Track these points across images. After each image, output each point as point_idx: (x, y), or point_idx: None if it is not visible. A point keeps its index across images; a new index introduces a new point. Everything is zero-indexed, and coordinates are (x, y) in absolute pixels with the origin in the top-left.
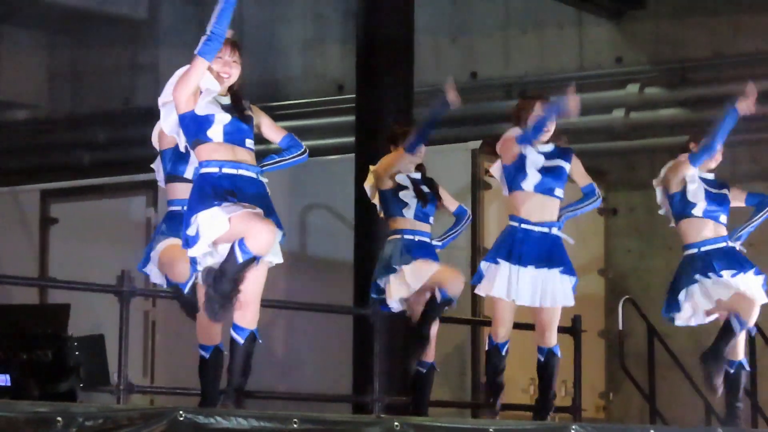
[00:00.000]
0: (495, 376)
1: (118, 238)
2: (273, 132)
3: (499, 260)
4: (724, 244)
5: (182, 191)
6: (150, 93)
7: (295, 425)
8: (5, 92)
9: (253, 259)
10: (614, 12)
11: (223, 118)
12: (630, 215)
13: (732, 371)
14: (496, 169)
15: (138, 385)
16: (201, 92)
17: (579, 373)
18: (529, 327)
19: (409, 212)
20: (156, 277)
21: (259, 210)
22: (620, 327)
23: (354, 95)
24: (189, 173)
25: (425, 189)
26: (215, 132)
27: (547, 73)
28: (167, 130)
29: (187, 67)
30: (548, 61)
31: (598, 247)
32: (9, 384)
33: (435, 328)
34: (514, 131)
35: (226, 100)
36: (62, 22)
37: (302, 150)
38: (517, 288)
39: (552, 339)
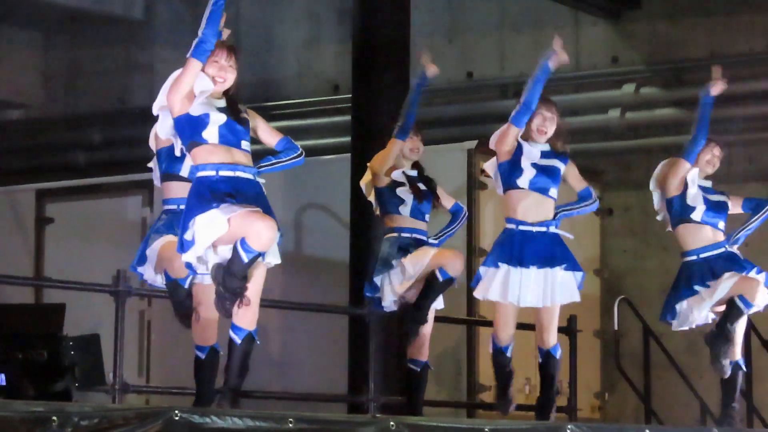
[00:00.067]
0: (503, 369)
1: (114, 237)
2: (269, 135)
3: (499, 264)
4: (723, 250)
5: (178, 190)
6: (145, 93)
7: (290, 425)
8: (0, 92)
9: (258, 256)
10: (610, 12)
11: (218, 119)
12: (626, 215)
13: (729, 371)
14: (490, 165)
15: (133, 385)
16: (195, 95)
17: (574, 373)
18: (525, 327)
19: (406, 209)
20: (149, 276)
21: (257, 208)
22: (616, 327)
23: (350, 95)
24: (185, 171)
25: (422, 186)
26: (210, 133)
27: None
28: (162, 134)
29: (180, 70)
30: None
31: (594, 247)
32: (4, 383)
33: (429, 327)
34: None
35: (222, 104)
36: (58, 22)
37: (299, 152)
38: (519, 290)
39: (550, 340)
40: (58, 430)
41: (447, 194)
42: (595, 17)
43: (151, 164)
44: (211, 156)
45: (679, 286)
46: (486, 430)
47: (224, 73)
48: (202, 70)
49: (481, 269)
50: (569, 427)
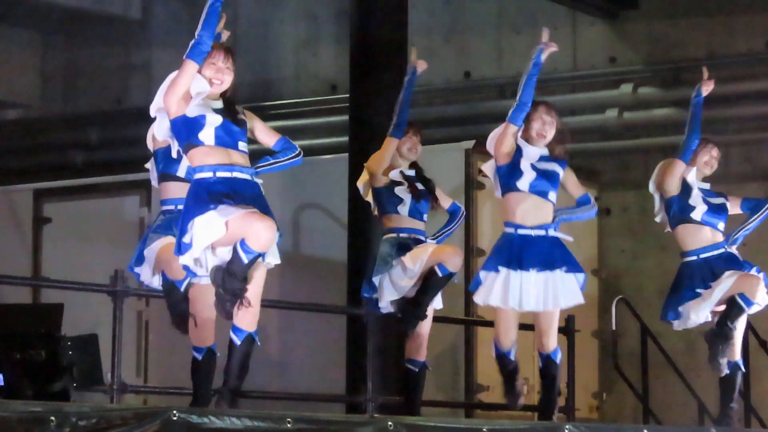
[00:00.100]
0: (507, 368)
1: (112, 237)
2: (267, 136)
3: (499, 268)
4: (722, 250)
5: (175, 190)
6: (143, 93)
7: (288, 425)
8: None
9: (258, 256)
10: (608, 12)
11: (214, 120)
12: (623, 215)
13: (728, 371)
14: (488, 167)
15: (131, 385)
16: (191, 97)
17: (572, 373)
18: (523, 327)
19: (404, 209)
20: (146, 277)
21: (254, 209)
22: (613, 327)
23: (347, 95)
24: (182, 172)
25: (419, 186)
26: (206, 134)
27: (540, 72)
28: (160, 136)
29: (177, 72)
30: None
31: (592, 247)
32: (2, 383)
33: (428, 327)
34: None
35: (219, 105)
36: (56, 22)
37: (297, 152)
38: (519, 294)
39: (550, 344)
40: (56, 430)
41: (445, 194)
42: (592, 17)
43: (148, 165)
44: (208, 158)
45: (681, 288)
46: (484, 430)
47: (221, 74)
48: (199, 71)
49: (481, 274)
50: (567, 427)
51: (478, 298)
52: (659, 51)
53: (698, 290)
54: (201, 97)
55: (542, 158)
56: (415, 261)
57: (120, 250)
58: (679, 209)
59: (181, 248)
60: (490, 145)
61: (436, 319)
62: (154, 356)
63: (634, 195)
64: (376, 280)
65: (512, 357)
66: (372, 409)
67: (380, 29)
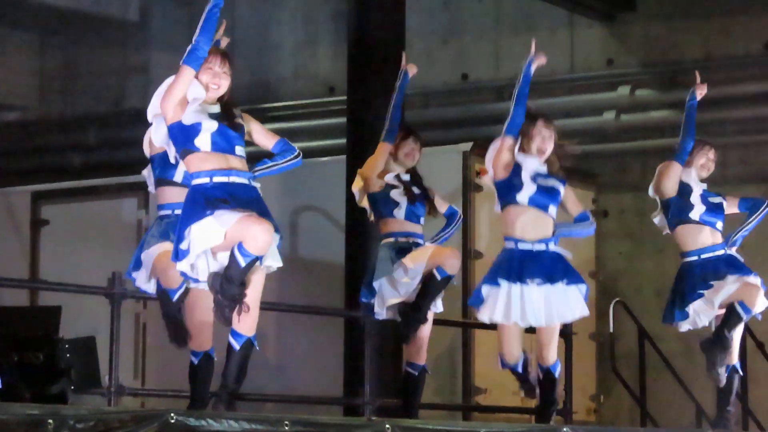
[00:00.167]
0: (518, 374)
1: (109, 240)
2: (265, 138)
3: (500, 281)
4: (722, 252)
5: (172, 195)
6: (141, 95)
7: (286, 427)
8: None
9: (256, 260)
10: (605, 14)
11: (210, 126)
12: (621, 218)
13: (726, 375)
14: (487, 179)
15: (129, 388)
16: (188, 102)
17: (570, 376)
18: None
19: (400, 212)
20: (142, 282)
21: (252, 212)
22: (611, 329)
23: (345, 97)
24: (178, 177)
25: (415, 190)
26: (202, 141)
27: (538, 75)
28: (157, 142)
29: (173, 77)
30: None
31: (589, 250)
32: (0, 386)
33: (427, 330)
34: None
35: (216, 109)
36: (54, 23)
37: (296, 154)
38: (521, 309)
39: (550, 357)
40: None
41: (441, 198)
42: (590, 19)
43: (144, 172)
44: (205, 163)
45: (684, 291)
46: None
47: (218, 79)
48: (196, 77)
49: (483, 289)
50: (565, 429)
51: (483, 315)
52: (656, 53)
53: (700, 291)
54: (198, 102)
55: (542, 175)
56: (415, 262)
57: (118, 253)
58: (677, 210)
59: (178, 255)
60: (488, 161)
61: (435, 321)
62: (151, 359)
63: (632, 197)
64: (376, 284)
65: (520, 369)
66: (369, 411)
67: (378, 31)
